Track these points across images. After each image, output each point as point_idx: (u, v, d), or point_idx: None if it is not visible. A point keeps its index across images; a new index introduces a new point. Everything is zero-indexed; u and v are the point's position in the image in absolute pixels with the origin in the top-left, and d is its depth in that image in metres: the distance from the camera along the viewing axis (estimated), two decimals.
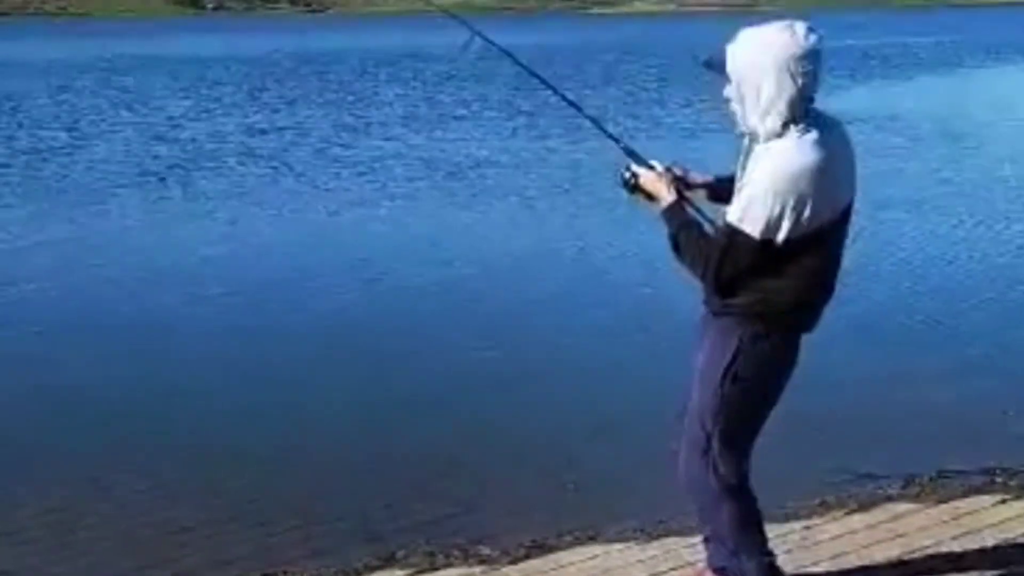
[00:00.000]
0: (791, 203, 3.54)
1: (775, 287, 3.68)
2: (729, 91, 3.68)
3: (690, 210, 3.85)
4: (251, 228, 13.61)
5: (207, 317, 9.73)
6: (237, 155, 19.71)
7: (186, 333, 9.23)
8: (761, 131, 3.62)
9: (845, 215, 3.72)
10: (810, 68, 3.58)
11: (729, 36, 3.66)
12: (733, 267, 3.63)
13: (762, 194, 3.56)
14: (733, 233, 3.61)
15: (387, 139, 21.59)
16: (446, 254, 11.94)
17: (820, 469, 5.95)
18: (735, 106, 3.67)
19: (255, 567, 5.10)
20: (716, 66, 3.70)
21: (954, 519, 5.01)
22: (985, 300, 9.95)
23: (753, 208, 3.57)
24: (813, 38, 3.58)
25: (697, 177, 4.03)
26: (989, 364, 8.12)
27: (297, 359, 8.46)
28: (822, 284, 3.78)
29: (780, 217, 3.56)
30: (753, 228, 3.57)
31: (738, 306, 3.76)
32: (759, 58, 3.58)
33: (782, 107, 3.57)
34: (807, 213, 3.57)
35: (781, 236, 3.57)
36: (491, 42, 4.51)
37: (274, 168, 18.22)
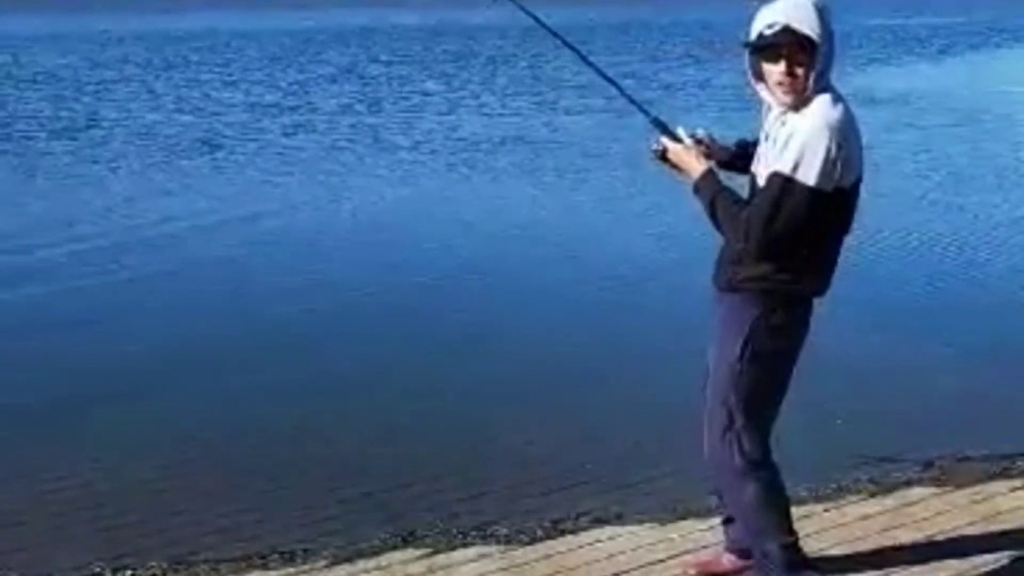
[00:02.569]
0: (841, 153, 3.59)
1: (793, 257, 3.68)
2: (792, 66, 3.64)
3: (721, 178, 3.85)
4: (282, 205, 13.65)
5: (225, 293, 9.77)
6: (277, 130, 19.77)
7: (204, 309, 9.26)
8: (812, 94, 3.65)
9: (858, 183, 3.75)
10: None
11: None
12: (785, 220, 3.60)
13: (818, 142, 3.57)
14: (786, 182, 3.60)
15: (429, 115, 21.63)
16: (476, 232, 12.01)
17: (839, 453, 5.94)
18: (801, 76, 3.63)
19: (273, 546, 5.10)
20: (769, 43, 3.69)
21: (973, 504, 5.01)
22: (1010, 284, 9.90)
23: (808, 156, 3.57)
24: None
25: (721, 143, 4.05)
26: (1010, 349, 8.08)
27: (317, 337, 8.46)
28: (835, 251, 3.82)
29: (833, 166, 3.58)
30: (808, 176, 3.58)
31: (751, 281, 3.77)
32: (822, 24, 3.62)
33: (831, 68, 3.67)
34: (848, 166, 3.62)
35: (831, 186, 3.59)
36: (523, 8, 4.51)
37: (314, 145, 18.26)
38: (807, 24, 3.61)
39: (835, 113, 3.63)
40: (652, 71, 29.73)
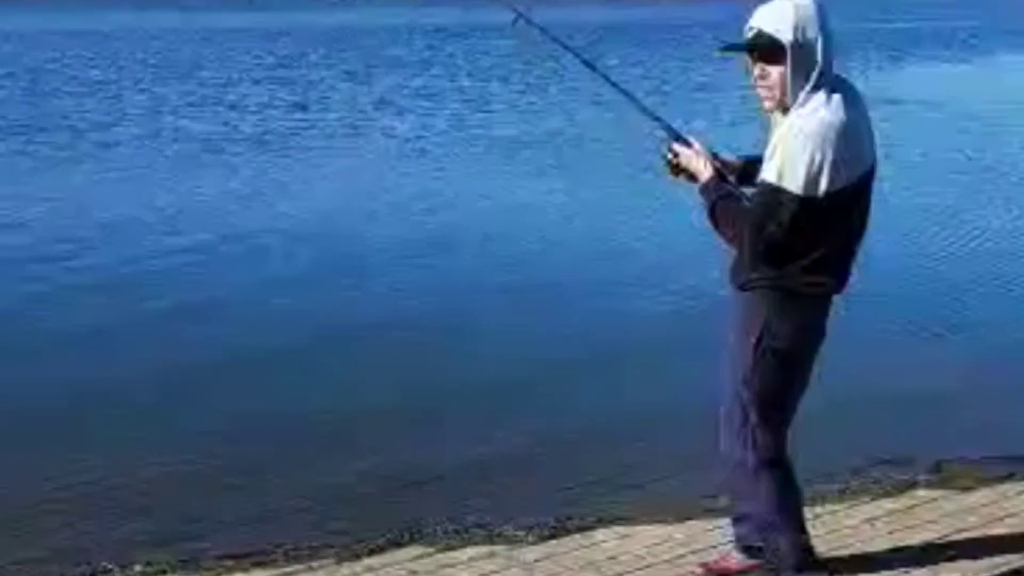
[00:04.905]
0: (828, 157, 3.58)
1: (804, 256, 3.68)
2: (765, 69, 3.67)
3: (727, 185, 3.85)
4: (282, 209, 13.69)
5: (228, 293, 9.78)
6: (295, 129, 19.79)
7: (205, 309, 9.26)
8: (800, 98, 3.64)
9: (869, 177, 3.75)
10: (832, 30, 3.68)
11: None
12: (775, 228, 3.61)
13: (799, 149, 3.58)
14: (774, 191, 3.61)
15: (435, 114, 21.67)
16: (480, 232, 11.98)
17: (847, 455, 5.93)
18: (776, 80, 3.66)
19: (278, 543, 5.09)
20: (740, 47, 3.72)
21: (982, 506, 4.99)
22: (1016, 287, 9.87)
23: (791, 164, 3.58)
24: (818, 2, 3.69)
25: (729, 159, 4.04)
26: (1020, 351, 8.05)
27: (323, 337, 8.45)
28: (851, 248, 3.82)
29: (819, 172, 3.58)
30: (793, 184, 3.59)
31: (765, 279, 3.77)
32: (805, 26, 3.62)
33: (822, 69, 3.64)
34: (840, 169, 3.61)
35: (820, 192, 3.59)
36: (534, 23, 4.51)
37: (324, 144, 18.28)
38: (778, 28, 3.62)
39: (820, 116, 3.61)
40: (663, 71, 29.72)
